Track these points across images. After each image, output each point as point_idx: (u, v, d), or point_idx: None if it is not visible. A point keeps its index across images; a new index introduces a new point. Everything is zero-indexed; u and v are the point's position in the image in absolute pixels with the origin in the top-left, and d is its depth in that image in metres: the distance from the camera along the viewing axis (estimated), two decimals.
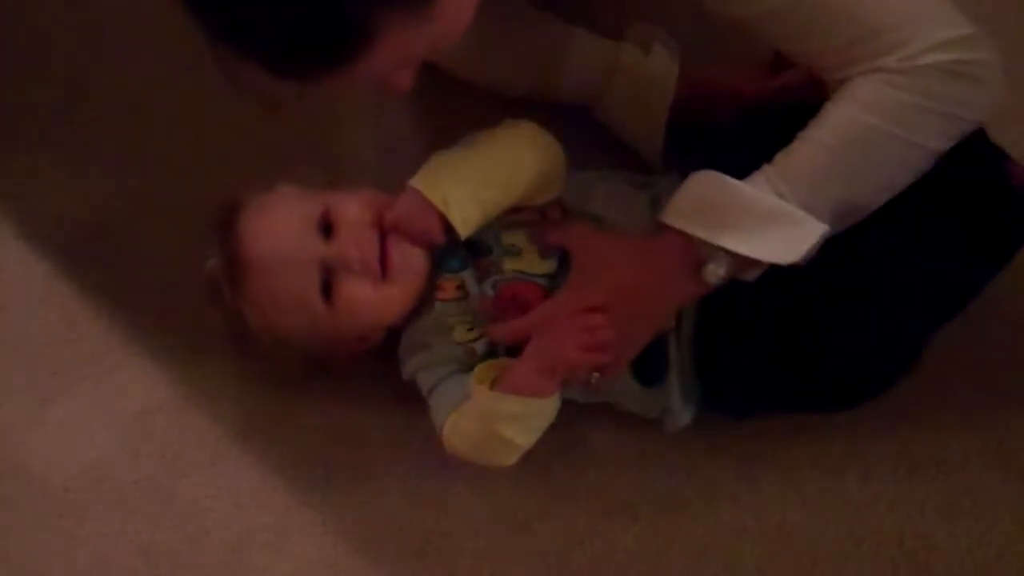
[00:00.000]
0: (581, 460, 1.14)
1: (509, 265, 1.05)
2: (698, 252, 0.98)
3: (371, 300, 1.04)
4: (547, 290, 1.05)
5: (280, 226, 1.04)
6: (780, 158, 0.97)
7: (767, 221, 0.95)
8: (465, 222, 1.02)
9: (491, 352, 1.05)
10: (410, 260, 1.04)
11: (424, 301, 1.07)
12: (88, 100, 1.35)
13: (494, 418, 0.99)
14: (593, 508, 1.13)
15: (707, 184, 0.99)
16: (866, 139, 0.94)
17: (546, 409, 1.01)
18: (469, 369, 1.03)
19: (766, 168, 0.97)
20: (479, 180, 1.03)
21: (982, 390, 1.15)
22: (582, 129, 1.21)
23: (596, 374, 1.01)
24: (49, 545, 1.14)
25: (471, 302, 1.05)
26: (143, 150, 1.32)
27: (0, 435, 1.19)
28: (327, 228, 1.04)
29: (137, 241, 1.27)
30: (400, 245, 1.04)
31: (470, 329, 1.05)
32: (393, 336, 1.10)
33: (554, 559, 1.11)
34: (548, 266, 1.05)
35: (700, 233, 0.97)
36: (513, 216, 1.07)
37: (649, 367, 1.05)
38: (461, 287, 1.06)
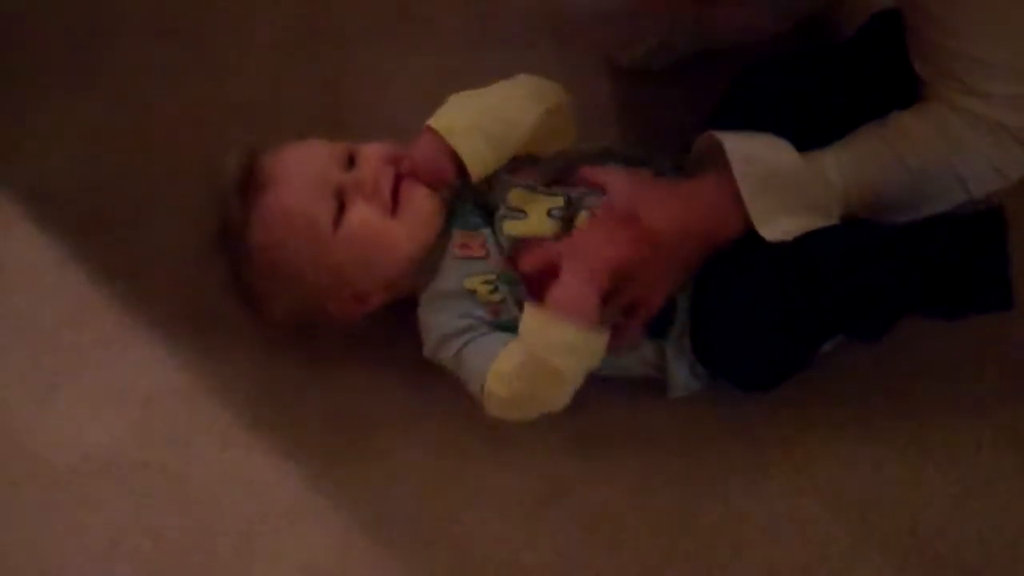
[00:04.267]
0: (592, 447, 1.14)
1: (514, 227, 1.06)
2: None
3: (376, 229, 1.06)
4: None
5: (308, 151, 1.09)
6: (855, 150, 1.03)
7: (803, 206, 1.01)
8: (473, 155, 1.05)
9: (512, 320, 1.03)
10: (421, 201, 1.07)
11: (438, 261, 1.07)
12: (98, 84, 1.35)
13: (545, 347, 0.97)
14: (603, 494, 1.12)
15: (768, 144, 1.02)
16: (938, 173, 1.02)
17: (594, 342, 0.99)
18: (498, 328, 1.03)
19: (837, 152, 1.03)
20: (487, 114, 1.07)
21: (993, 376, 1.15)
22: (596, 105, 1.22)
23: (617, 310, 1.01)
24: (58, 529, 1.13)
25: (491, 261, 1.06)
26: (153, 134, 1.32)
27: (8, 419, 1.18)
28: (351, 161, 1.08)
29: (147, 226, 1.27)
30: (414, 186, 1.07)
31: (493, 290, 1.05)
32: (398, 318, 1.09)
33: (564, 545, 1.10)
34: (553, 226, 1.06)
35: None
36: (522, 177, 1.09)
37: (659, 320, 1.06)
38: (484, 245, 1.06)
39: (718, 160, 1.04)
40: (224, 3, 1.43)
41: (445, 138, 1.05)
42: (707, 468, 1.13)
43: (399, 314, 1.11)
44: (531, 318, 0.98)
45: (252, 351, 1.20)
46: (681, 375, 1.09)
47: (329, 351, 1.20)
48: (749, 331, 1.02)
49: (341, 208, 1.06)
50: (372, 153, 1.08)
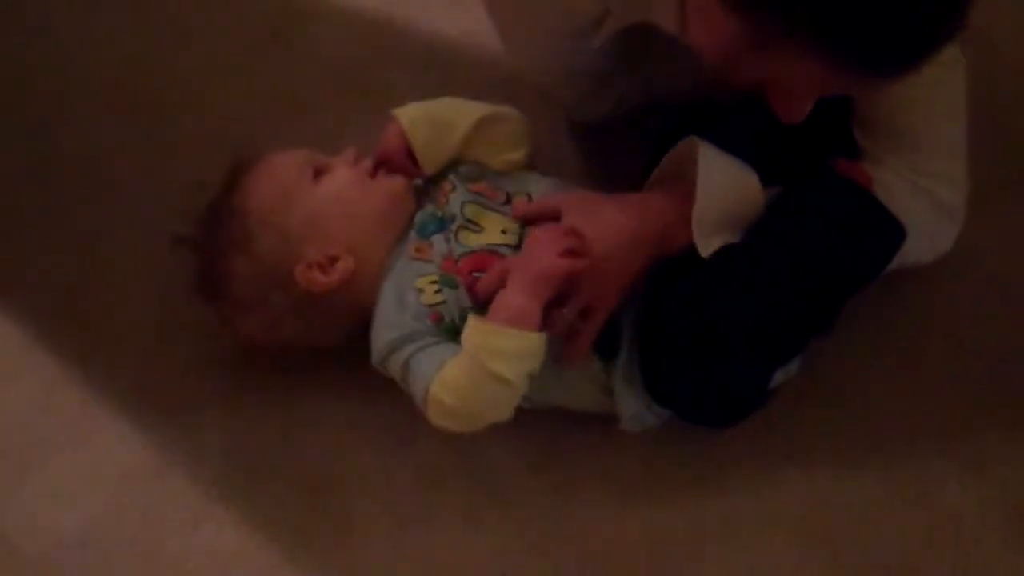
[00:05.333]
0: (563, 503, 1.14)
1: (469, 239, 1.08)
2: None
3: (356, 184, 1.11)
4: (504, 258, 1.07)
5: (290, 151, 1.15)
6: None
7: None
8: (412, 122, 1.13)
9: (456, 322, 1.05)
10: (397, 180, 1.13)
11: (396, 260, 1.09)
12: (59, 165, 1.37)
13: (488, 354, 0.98)
14: (577, 550, 1.12)
15: (739, 175, 1.06)
16: None
17: (536, 346, 1.00)
18: (442, 336, 1.04)
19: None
20: (438, 103, 1.16)
21: (955, 411, 1.16)
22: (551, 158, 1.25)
23: (571, 312, 1.03)
24: None
25: (437, 265, 1.07)
26: (115, 215, 1.33)
27: None
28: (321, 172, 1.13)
29: (111, 306, 1.27)
30: (388, 173, 1.13)
31: (437, 291, 1.06)
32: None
33: None
34: (508, 238, 1.09)
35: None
36: (479, 194, 1.12)
37: (606, 339, 1.07)
38: (432, 248, 1.08)
39: (685, 171, 1.06)
40: (182, 75, 1.45)
41: (406, 129, 1.12)
42: (678, 511, 1.13)
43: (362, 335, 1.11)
44: (474, 328, 1.00)
45: (221, 424, 1.20)
46: (631, 405, 1.09)
47: (298, 417, 1.20)
48: (693, 360, 1.04)
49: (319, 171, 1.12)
50: (346, 151, 1.15)
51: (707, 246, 1.04)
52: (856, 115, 1.09)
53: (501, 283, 1.02)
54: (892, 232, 1.05)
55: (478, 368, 0.98)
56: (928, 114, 1.05)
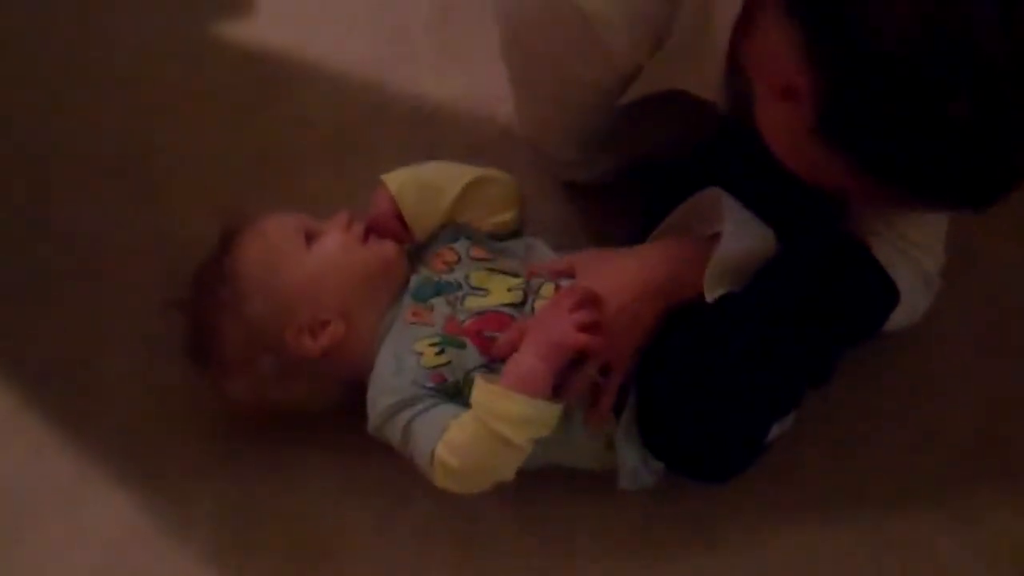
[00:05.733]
0: (555, 553, 1.15)
1: (475, 303, 1.09)
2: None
3: (348, 248, 1.11)
4: (514, 319, 1.08)
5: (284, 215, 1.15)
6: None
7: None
8: (401, 188, 1.13)
9: (460, 383, 1.05)
10: (389, 245, 1.13)
11: (390, 325, 1.09)
12: (48, 230, 1.37)
13: (496, 418, 0.98)
14: None
15: (759, 233, 1.08)
16: None
17: (548, 414, 1.00)
18: (443, 397, 1.04)
19: None
20: (427, 168, 1.17)
21: (943, 462, 1.17)
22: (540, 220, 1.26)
23: (592, 372, 1.04)
24: None
25: (438, 327, 1.08)
26: (104, 280, 1.33)
27: None
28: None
29: (101, 371, 1.27)
30: (380, 238, 1.13)
31: (439, 352, 1.06)
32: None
33: None
34: (514, 296, 1.09)
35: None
36: (480, 259, 1.13)
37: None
38: (432, 312, 1.09)
39: (696, 221, 1.08)
40: (171, 138, 1.46)
41: (395, 194, 1.13)
42: (673, 570, 1.13)
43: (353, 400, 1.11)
44: (483, 391, 1.00)
45: (211, 489, 1.19)
46: (631, 463, 1.09)
47: (289, 480, 1.20)
48: (691, 414, 1.04)
49: (311, 236, 1.12)
50: (338, 215, 1.15)
51: (713, 293, 1.05)
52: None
53: (516, 345, 1.03)
54: (889, 294, 1.07)
55: (484, 430, 0.99)
56: None
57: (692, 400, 1.04)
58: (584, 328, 1.00)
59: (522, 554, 1.15)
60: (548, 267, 1.14)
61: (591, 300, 1.03)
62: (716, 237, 1.07)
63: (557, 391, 1.02)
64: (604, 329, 1.02)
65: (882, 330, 1.12)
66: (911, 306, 1.12)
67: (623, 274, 1.08)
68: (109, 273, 1.34)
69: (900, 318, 1.12)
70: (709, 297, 1.05)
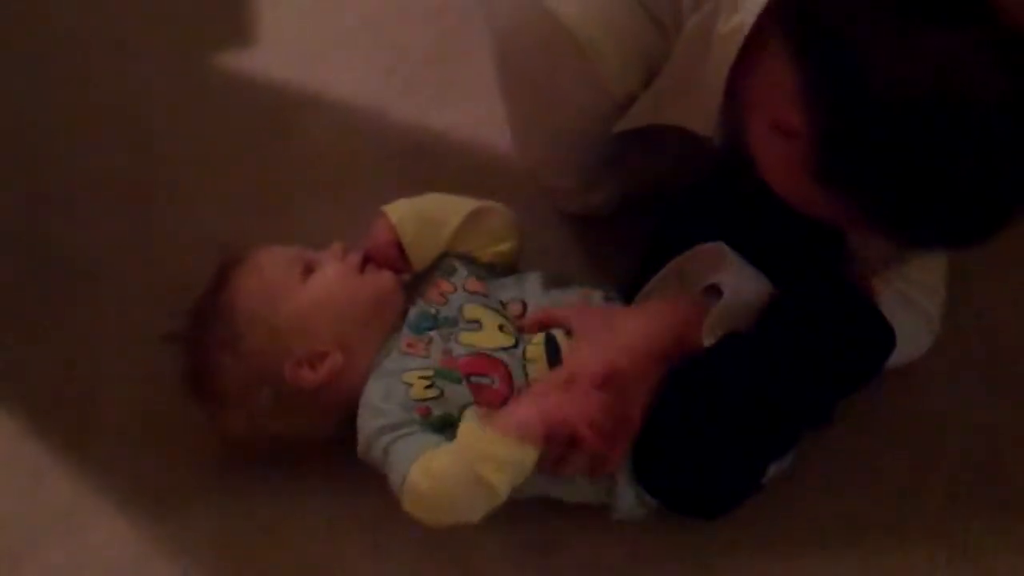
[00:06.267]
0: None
1: (469, 338, 1.09)
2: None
3: (345, 279, 1.12)
4: (506, 364, 1.08)
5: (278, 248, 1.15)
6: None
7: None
8: (402, 219, 1.14)
9: (446, 417, 1.05)
10: (386, 276, 1.14)
11: (386, 355, 1.09)
12: (50, 258, 1.38)
13: (481, 458, 0.98)
14: None
15: (757, 285, 1.08)
16: None
17: (528, 459, 1.00)
18: (428, 430, 1.04)
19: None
20: (427, 200, 1.17)
21: (940, 492, 1.17)
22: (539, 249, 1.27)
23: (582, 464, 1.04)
24: None
25: (431, 360, 1.08)
26: (103, 308, 1.34)
27: None
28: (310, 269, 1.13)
29: (100, 399, 1.27)
30: (377, 268, 1.14)
31: (429, 385, 1.06)
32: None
33: None
34: (505, 338, 1.10)
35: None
36: (476, 293, 1.13)
37: None
38: (428, 345, 1.09)
39: (695, 273, 1.09)
40: (173, 166, 1.47)
41: (396, 225, 1.14)
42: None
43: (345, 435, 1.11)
44: (470, 429, 1.00)
45: (208, 516, 1.19)
46: (628, 499, 1.09)
47: (285, 508, 1.20)
48: (689, 455, 1.05)
49: (309, 268, 1.13)
50: (334, 246, 1.15)
51: (710, 339, 1.06)
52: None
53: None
54: (886, 339, 1.06)
55: (466, 466, 0.99)
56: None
57: (689, 443, 1.04)
58: (594, 429, 1.00)
59: None
60: (540, 319, 1.13)
61: (608, 408, 1.02)
62: (714, 289, 1.08)
63: (554, 464, 1.03)
64: (605, 450, 1.02)
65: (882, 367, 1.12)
66: (913, 345, 1.13)
67: (629, 337, 1.08)
68: (109, 301, 1.35)
69: (901, 357, 1.11)
70: (707, 342, 1.05)
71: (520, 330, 1.12)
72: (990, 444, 1.20)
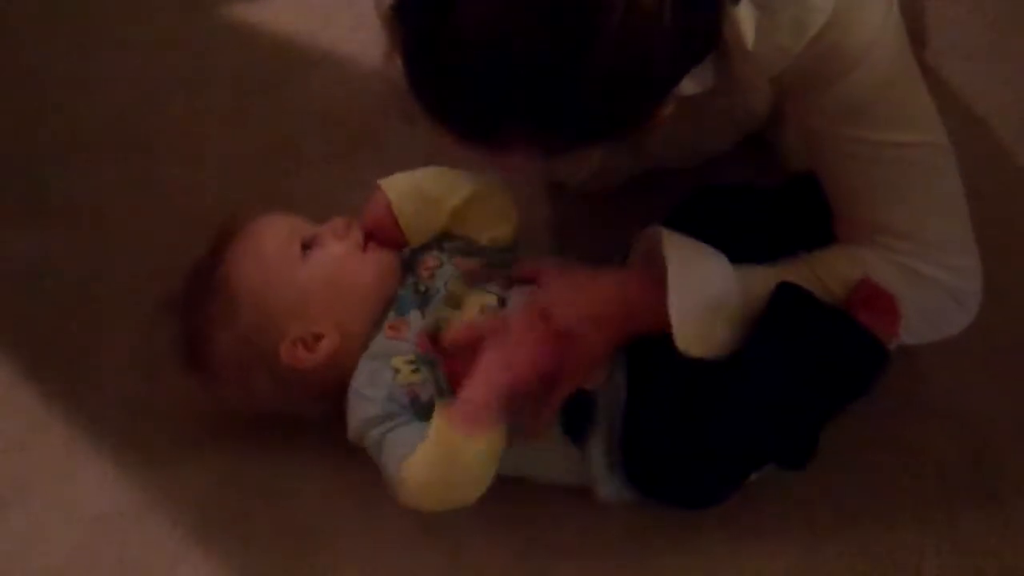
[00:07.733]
0: (541, 564, 1.14)
1: (445, 313, 1.08)
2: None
3: (345, 258, 1.10)
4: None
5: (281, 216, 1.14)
6: (782, 272, 1.06)
7: (723, 318, 1.04)
8: (400, 197, 1.12)
9: (433, 400, 1.04)
10: (387, 253, 1.12)
11: (371, 340, 1.08)
12: (50, 210, 1.37)
13: (458, 458, 0.98)
14: None
15: (706, 255, 1.06)
16: None
17: (500, 439, 0.99)
18: (418, 417, 1.03)
19: (765, 269, 1.06)
20: (426, 175, 1.15)
21: (931, 483, 1.17)
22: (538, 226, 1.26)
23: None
24: None
25: (411, 343, 1.07)
26: (104, 253, 1.34)
27: None
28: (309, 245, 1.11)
29: (97, 350, 1.28)
30: (375, 247, 1.12)
31: (415, 370, 1.06)
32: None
33: None
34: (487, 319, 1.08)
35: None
36: (466, 270, 1.12)
37: (575, 421, 1.07)
38: (408, 327, 1.08)
39: (655, 255, 1.06)
40: (175, 123, 1.45)
41: (393, 203, 1.12)
42: None
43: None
44: (441, 429, 0.99)
45: (202, 470, 1.20)
46: (608, 481, 1.09)
47: (280, 466, 1.20)
48: (679, 467, 1.04)
49: (309, 244, 1.11)
50: (335, 221, 1.13)
51: (684, 337, 1.03)
52: (832, 214, 1.10)
53: (469, 344, 1.02)
54: (877, 357, 1.04)
55: (448, 466, 0.99)
56: (884, 205, 1.05)
57: (681, 457, 1.04)
58: (541, 342, 0.99)
59: (509, 558, 1.15)
60: (514, 274, 1.13)
61: (543, 319, 1.02)
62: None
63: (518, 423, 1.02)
64: (560, 338, 1.01)
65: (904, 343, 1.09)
66: (941, 322, 1.10)
67: (581, 299, 1.07)
68: (107, 254, 1.35)
69: (930, 335, 1.09)
70: (680, 343, 1.02)
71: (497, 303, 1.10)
72: (981, 434, 1.20)
